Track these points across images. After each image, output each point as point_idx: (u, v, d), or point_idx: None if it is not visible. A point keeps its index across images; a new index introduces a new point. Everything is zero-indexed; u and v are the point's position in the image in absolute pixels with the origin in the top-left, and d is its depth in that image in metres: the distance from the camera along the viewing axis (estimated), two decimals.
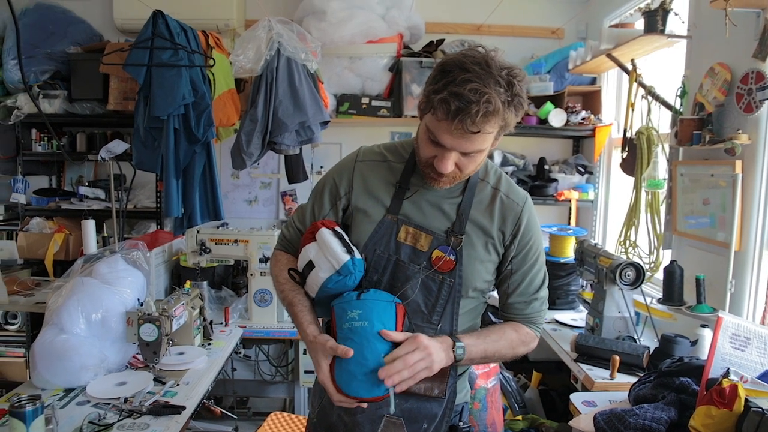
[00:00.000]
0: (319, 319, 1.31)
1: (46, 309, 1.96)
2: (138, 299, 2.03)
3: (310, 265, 1.26)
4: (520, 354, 1.35)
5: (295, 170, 3.11)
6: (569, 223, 3.50)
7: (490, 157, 3.39)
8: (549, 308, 2.82)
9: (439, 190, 1.28)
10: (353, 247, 1.25)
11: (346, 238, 1.27)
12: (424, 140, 1.19)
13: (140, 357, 1.98)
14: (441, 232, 1.27)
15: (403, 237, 1.28)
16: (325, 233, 1.25)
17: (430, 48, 3.41)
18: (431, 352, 1.14)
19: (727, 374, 1.34)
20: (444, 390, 1.24)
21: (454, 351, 1.19)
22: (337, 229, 1.28)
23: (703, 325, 2.03)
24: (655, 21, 2.40)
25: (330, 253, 1.22)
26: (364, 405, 1.18)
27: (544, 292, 1.37)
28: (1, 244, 3.26)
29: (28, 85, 3.13)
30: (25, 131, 3.32)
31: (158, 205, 3.36)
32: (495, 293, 1.43)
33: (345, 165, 1.39)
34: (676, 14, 2.40)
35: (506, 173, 3.54)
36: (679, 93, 2.42)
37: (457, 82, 1.06)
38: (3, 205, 3.55)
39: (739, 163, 2.04)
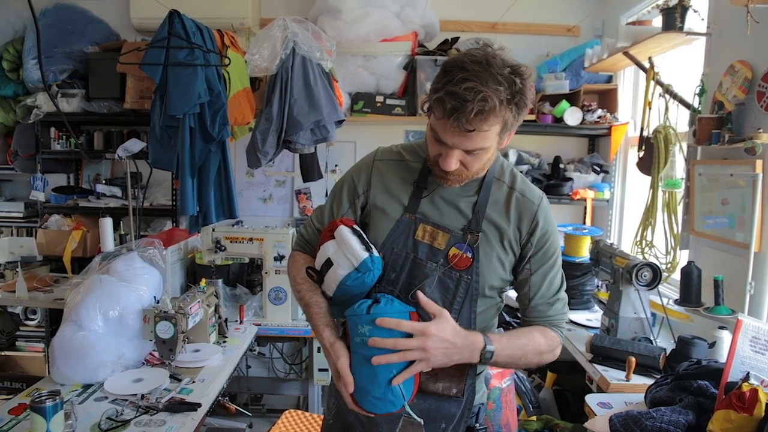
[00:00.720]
0: (336, 320, 1.31)
1: (65, 306, 1.99)
2: (154, 297, 2.05)
3: (328, 263, 1.27)
4: (546, 361, 1.32)
5: (309, 169, 3.12)
6: (584, 223, 3.48)
7: (505, 155, 3.42)
8: None
9: (455, 188, 1.29)
10: (371, 245, 1.26)
11: (365, 236, 1.28)
12: (431, 139, 1.21)
13: (156, 354, 2.00)
14: (457, 229, 1.28)
15: (421, 235, 1.29)
16: (344, 231, 1.26)
17: (445, 46, 3.40)
18: (429, 351, 1.12)
19: (747, 378, 1.32)
20: (462, 390, 1.25)
21: (482, 353, 1.17)
22: (356, 227, 1.29)
23: (722, 327, 2.00)
24: (674, 18, 2.37)
25: (349, 250, 1.22)
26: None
27: (564, 294, 1.36)
28: (21, 241, 3.31)
29: (47, 84, 3.17)
30: (44, 130, 3.37)
31: (174, 202, 3.39)
32: (513, 294, 1.42)
33: (363, 164, 1.41)
34: (695, 11, 2.37)
35: (521, 172, 3.52)
36: (697, 91, 2.39)
37: (454, 81, 1.08)
38: (23, 202, 3.62)
39: (759, 163, 2.00)
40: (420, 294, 1.17)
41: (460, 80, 1.07)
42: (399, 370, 1.14)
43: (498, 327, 1.42)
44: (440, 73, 1.14)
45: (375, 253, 1.25)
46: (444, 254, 1.27)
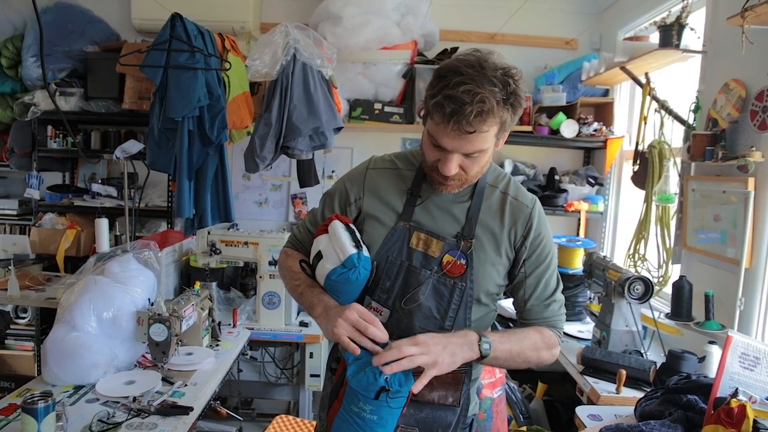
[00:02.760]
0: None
1: (59, 306, 1.98)
2: (149, 299, 2.04)
3: (318, 256, 1.28)
4: (545, 360, 1.31)
5: (306, 174, 3.13)
6: (578, 234, 3.50)
7: (501, 165, 3.44)
8: None
9: (447, 195, 1.30)
10: (363, 245, 1.27)
11: (359, 235, 1.29)
12: (428, 145, 1.22)
13: (149, 356, 1.99)
14: (451, 236, 1.28)
15: (415, 243, 1.29)
16: (337, 225, 1.27)
17: (444, 55, 3.43)
18: (430, 346, 1.12)
19: (735, 394, 1.33)
20: (458, 398, 1.26)
21: (479, 345, 1.17)
22: (351, 225, 1.30)
23: (712, 342, 2.02)
24: (671, 35, 2.40)
25: (338, 244, 1.24)
26: None
27: (561, 296, 1.37)
28: (14, 238, 3.30)
29: (47, 82, 3.17)
30: (41, 128, 3.36)
31: (169, 204, 3.39)
32: (504, 304, 1.44)
33: (356, 172, 1.42)
34: (691, 29, 2.40)
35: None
36: (692, 108, 2.42)
37: (450, 85, 1.09)
38: (17, 200, 3.60)
39: (751, 181, 2.03)
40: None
41: (456, 84, 1.09)
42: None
43: None
44: (434, 78, 1.15)
45: (365, 252, 1.26)
46: (438, 261, 1.27)
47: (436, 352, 1.11)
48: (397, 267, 1.28)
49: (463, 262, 1.26)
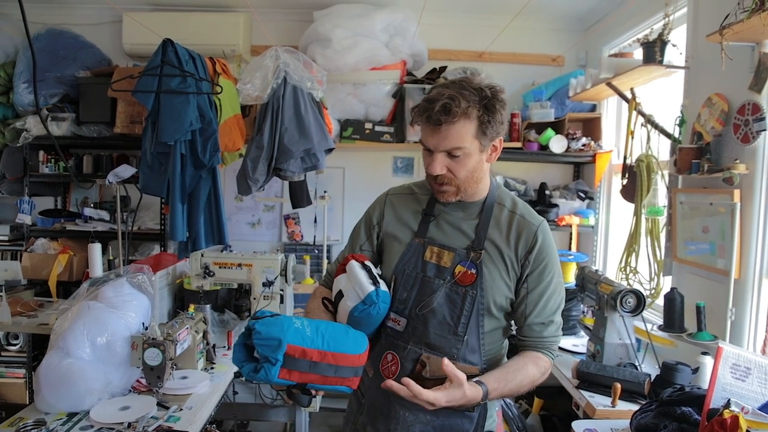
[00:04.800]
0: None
1: (52, 332, 1.97)
2: (143, 323, 2.03)
3: (339, 294, 1.38)
4: (537, 384, 1.38)
5: (299, 195, 3.14)
6: (570, 249, 3.52)
7: None
8: None
9: (458, 213, 1.40)
10: (380, 280, 1.38)
11: (375, 271, 1.40)
12: (423, 154, 1.36)
13: (144, 381, 1.98)
14: (461, 248, 1.38)
15: (429, 256, 1.40)
16: (353, 265, 1.38)
17: (433, 75, 3.47)
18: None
19: (728, 405, 1.34)
20: (474, 405, 1.30)
21: (477, 404, 1.27)
22: (367, 263, 1.41)
23: (704, 353, 2.03)
24: (654, 52, 2.45)
25: (357, 283, 1.34)
26: None
27: (559, 318, 1.42)
28: (5, 264, 3.28)
29: (39, 107, 3.18)
30: (32, 153, 3.37)
31: (162, 227, 3.39)
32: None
33: (378, 200, 1.57)
34: (674, 45, 2.46)
35: None
36: (677, 122, 2.47)
37: (430, 93, 1.29)
38: (8, 225, 3.58)
39: (737, 192, 2.07)
40: (445, 362, 1.22)
41: (433, 90, 1.30)
42: None
43: None
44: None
45: (382, 287, 1.35)
46: (450, 271, 1.36)
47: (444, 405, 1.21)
48: (412, 279, 1.39)
49: (474, 271, 1.35)
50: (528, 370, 1.35)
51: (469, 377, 1.27)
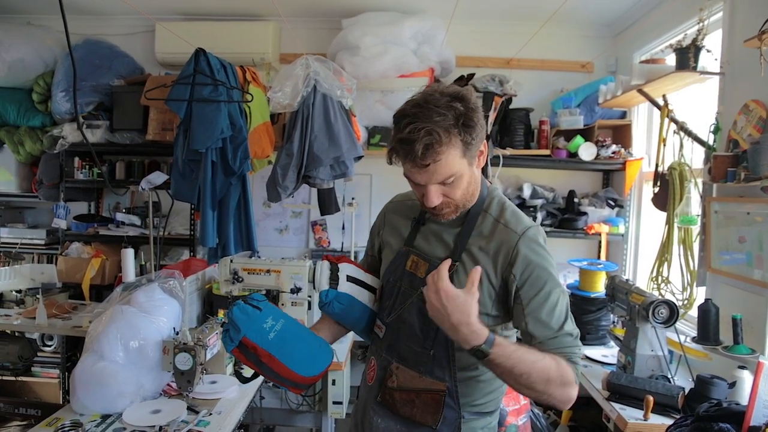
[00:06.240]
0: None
1: (87, 335, 2.02)
2: (174, 328, 2.07)
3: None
4: (554, 394, 1.21)
5: (327, 202, 3.16)
6: (599, 257, 3.47)
7: (519, 189, 3.44)
8: None
9: (443, 221, 1.34)
10: (349, 282, 1.43)
11: (342, 273, 1.44)
12: (411, 184, 1.30)
13: (174, 385, 2.01)
14: (437, 259, 1.31)
15: (409, 265, 1.38)
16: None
17: (461, 82, 3.46)
18: (450, 303, 1.12)
19: None
20: (437, 421, 1.30)
21: (480, 345, 1.13)
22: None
23: (742, 367, 1.98)
24: (687, 58, 2.41)
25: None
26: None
27: (572, 328, 1.27)
28: (42, 267, 3.37)
29: (78, 115, 3.27)
30: (68, 159, 3.46)
31: (192, 232, 3.44)
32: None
33: (383, 208, 1.58)
34: (708, 51, 2.41)
35: (535, 206, 3.47)
36: (712, 129, 2.41)
37: (400, 128, 1.18)
38: (45, 230, 3.69)
39: None
40: (473, 272, 1.17)
41: (404, 126, 1.17)
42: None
43: None
44: (393, 126, 1.24)
45: (342, 288, 1.42)
46: (423, 282, 1.28)
47: (447, 309, 1.12)
48: (394, 288, 1.40)
49: None
50: (546, 358, 1.19)
51: (435, 392, 1.29)
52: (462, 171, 1.22)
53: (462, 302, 1.12)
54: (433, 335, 1.30)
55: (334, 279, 1.42)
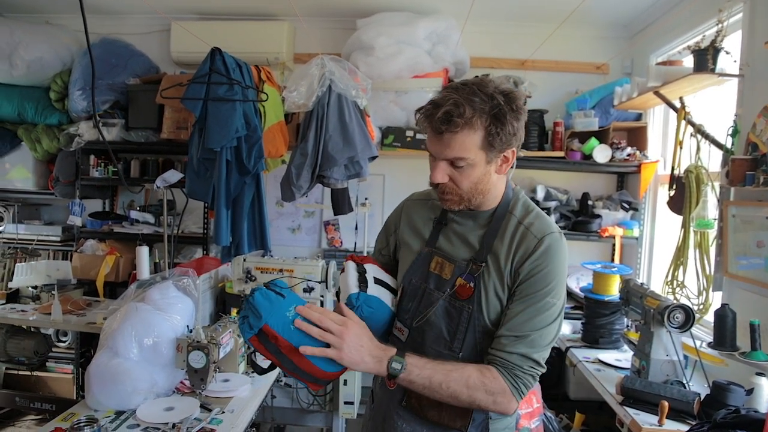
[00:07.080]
0: None
1: (102, 332, 2.04)
2: (187, 326, 2.08)
3: (338, 292, 1.43)
4: (482, 404, 1.21)
5: (341, 202, 3.16)
6: (613, 260, 3.44)
7: (533, 190, 3.42)
8: (592, 347, 2.70)
9: (467, 222, 1.35)
10: (375, 285, 1.37)
11: (372, 274, 1.39)
12: (429, 161, 1.29)
13: (187, 383, 2.02)
14: (462, 260, 1.32)
15: (433, 267, 1.36)
16: (348, 266, 1.39)
17: None
18: (346, 337, 1.16)
19: None
20: (466, 425, 1.28)
21: (389, 363, 1.18)
22: (369, 265, 1.41)
23: (759, 374, 1.95)
24: (705, 60, 2.37)
25: (344, 284, 1.37)
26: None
27: (540, 340, 1.22)
28: (57, 264, 3.40)
29: (96, 113, 3.30)
30: (84, 157, 3.49)
31: (205, 231, 3.46)
32: None
33: (398, 206, 1.55)
34: (727, 53, 2.37)
35: (549, 208, 3.45)
36: (730, 132, 2.38)
37: (438, 94, 1.21)
38: (60, 226, 3.73)
39: None
40: (341, 304, 1.24)
41: (443, 92, 1.21)
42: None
43: None
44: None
45: (370, 291, 1.34)
46: (450, 284, 1.31)
47: (348, 345, 1.16)
48: (418, 289, 1.37)
49: (471, 285, 1.29)
50: (466, 370, 1.20)
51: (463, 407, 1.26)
52: (476, 161, 1.22)
53: (347, 328, 1.18)
54: (462, 338, 1.29)
55: (363, 281, 1.36)
